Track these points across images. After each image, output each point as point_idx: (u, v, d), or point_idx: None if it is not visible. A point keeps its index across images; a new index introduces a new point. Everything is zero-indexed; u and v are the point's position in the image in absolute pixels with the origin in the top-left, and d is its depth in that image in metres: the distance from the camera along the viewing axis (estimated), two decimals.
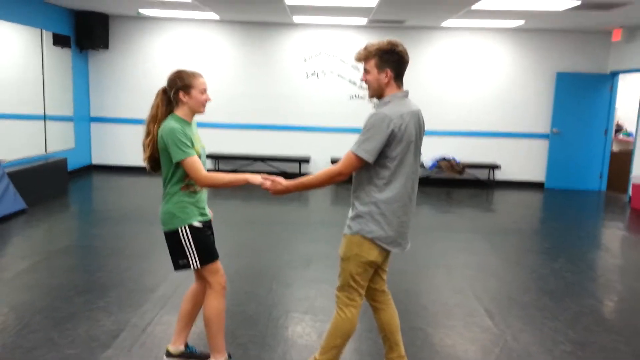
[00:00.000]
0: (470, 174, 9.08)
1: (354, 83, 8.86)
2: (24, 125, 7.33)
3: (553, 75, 8.81)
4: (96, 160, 9.18)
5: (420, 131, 2.52)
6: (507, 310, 3.80)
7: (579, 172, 9.01)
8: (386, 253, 2.54)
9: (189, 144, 2.50)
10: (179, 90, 2.56)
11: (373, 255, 2.46)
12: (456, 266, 4.75)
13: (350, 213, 2.51)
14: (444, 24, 8.19)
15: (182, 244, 2.58)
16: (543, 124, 8.98)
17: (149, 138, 2.59)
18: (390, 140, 2.35)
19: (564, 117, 8.85)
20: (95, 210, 6.89)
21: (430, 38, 8.83)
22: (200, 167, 2.50)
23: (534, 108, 8.95)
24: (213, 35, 8.86)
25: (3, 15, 6.65)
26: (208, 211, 2.76)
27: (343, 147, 8.50)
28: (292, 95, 8.89)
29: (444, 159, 8.79)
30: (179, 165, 2.51)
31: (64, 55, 8.12)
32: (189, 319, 2.86)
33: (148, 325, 3.37)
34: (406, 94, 2.50)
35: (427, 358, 3.09)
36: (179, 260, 2.61)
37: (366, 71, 2.46)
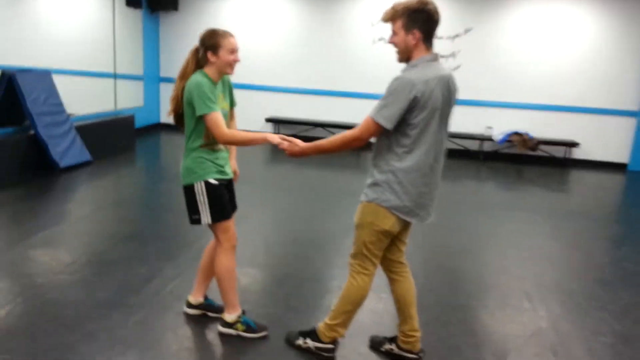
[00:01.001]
0: (544, 150, 8.46)
1: None
2: (95, 82, 7.70)
3: None
4: (165, 118, 9.53)
5: (449, 98, 2.31)
6: (551, 295, 3.49)
7: None
8: (403, 223, 2.38)
9: (213, 99, 2.45)
10: (207, 49, 2.51)
11: (388, 224, 2.32)
12: (508, 246, 4.45)
13: (368, 180, 2.38)
14: None
15: (196, 199, 2.57)
16: (630, 100, 8.12)
17: (175, 93, 2.58)
18: (412, 107, 2.17)
19: None
20: (156, 167, 7.17)
21: (510, 2, 8.19)
22: (221, 123, 2.45)
23: (620, 82, 8.10)
24: None
25: None
26: (229, 170, 2.72)
27: None
28: (357, 61, 8.63)
29: (516, 133, 8.23)
30: (200, 120, 2.48)
31: (136, 16, 8.39)
32: (208, 272, 2.88)
33: (178, 275, 3.44)
34: (435, 57, 2.28)
35: (450, 335, 2.91)
36: (192, 214, 2.61)
37: (393, 33, 2.27)
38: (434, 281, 3.63)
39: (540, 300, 3.42)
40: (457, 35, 8.34)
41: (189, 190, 2.59)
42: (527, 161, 8.45)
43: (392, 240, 2.48)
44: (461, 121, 8.57)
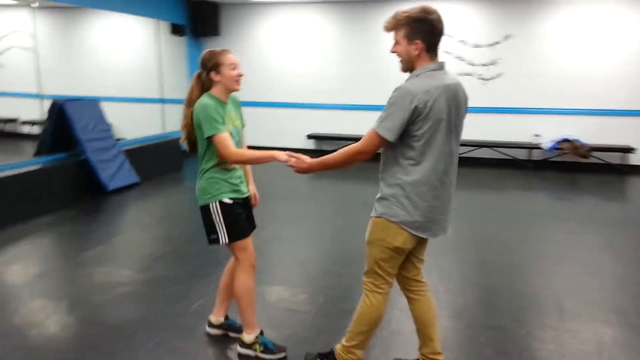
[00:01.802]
0: (598, 157, 8.01)
1: (462, 59, 8.28)
2: (144, 107, 8.07)
3: None
4: None
5: (457, 108, 2.22)
6: (598, 314, 3.27)
7: None
8: (417, 239, 2.30)
9: (219, 120, 2.49)
10: (210, 70, 2.54)
11: (399, 240, 2.25)
12: (555, 260, 4.22)
13: (378, 194, 2.32)
14: None
15: (212, 219, 2.61)
16: None
17: (185, 121, 2.63)
18: (415, 118, 2.11)
19: None
20: None
21: (549, 6, 7.89)
22: (229, 143, 2.48)
23: None
24: (317, 17, 8.85)
25: (125, 8, 7.33)
26: (245, 188, 2.75)
27: None
28: (394, 75, 8.54)
29: (566, 140, 7.86)
30: (210, 141, 2.52)
31: (180, 43, 8.75)
32: (228, 292, 2.90)
33: (206, 294, 3.49)
34: (440, 66, 2.22)
35: (481, 357, 2.78)
36: (210, 235, 2.64)
37: (396, 42, 2.22)
38: (470, 300, 3.49)
39: (585, 320, 3.20)
40: (496, 43, 8.11)
41: (205, 211, 2.63)
42: (580, 169, 8.03)
43: (407, 257, 2.41)
44: (507, 130, 8.30)
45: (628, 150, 7.75)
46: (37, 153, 6.27)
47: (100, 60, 7.90)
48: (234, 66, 2.56)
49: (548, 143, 7.94)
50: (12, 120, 7.71)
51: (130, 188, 6.59)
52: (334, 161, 2.31)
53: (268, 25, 9.12)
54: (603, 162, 8.04)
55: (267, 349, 2.72)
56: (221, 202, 2.59)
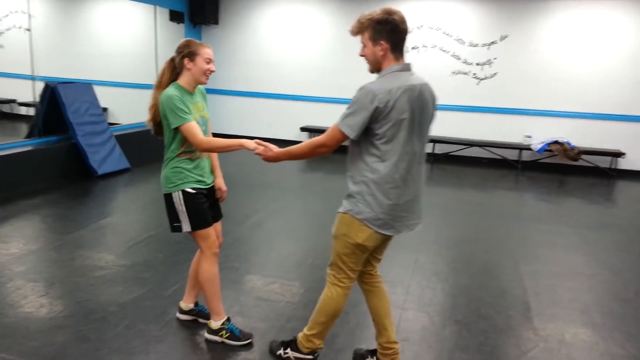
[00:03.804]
0: (588, 161, 8.05)
1: (458, 57, 8.30)
2: (139, 93, 8.08)
3: None
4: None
5: (422, 108, 2.27)
6: (561, 312, 3.35)
7: None
8: (381, 237, 2.35)
9: (186, 110, 2.53)
10: (184, 56, 2.59)
11: (361, 237, 2.30)
12: (525, 259, 4.28)
13: (347, 191, 2.36)
14: None
15: (175, 208, 2.66)
16: None
17: (152, 102, 2.68)
18: (376, 117, 2.17)
19: None
20: None
21: (547, 8, 7.89)
22: (197, 131, 2.53)
23: None
24: (315, 10, 8.85)
25: None
26: (210, 179, 2.78)
27: (444, 126, 8.10)
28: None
29: (557, 142, 7.89)
30: (177, 131, 2.57)
31: (178, 30, 8.76)
32: (197, 278, 2.96)
33: (181, 280, 3.56)
34: (405, 67, 2.27)
35: (443, 350, 2.85)
36: (173, 222, 2.70)
37: (363, 45, 2.29)
38: (440, 294, 3.56)
39: (549, 318, 3.27)
40: (492, 43, 8.13)
41: (168, 199, 2.68)
42: (569, 172, 8.08)
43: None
44: (498, 130, 8.34)
45: (618, 154, 7.79)
46: (29, 135, 6.34)
47: (97, 44, 7.94)
48: (209, 60, 2.61)
49: (538, 144, 7.98)
50: (11, 101, 7.78)
51: (120, 173, 6.65)
52: (300, 152, 2.39)
53: (267, 16, 9.13)
54: (592, 165, 8.08)
55: (233, 335, 2.80)
56: (184, 192, 2.64)
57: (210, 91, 9.53)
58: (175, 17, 8.66)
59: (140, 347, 2.77)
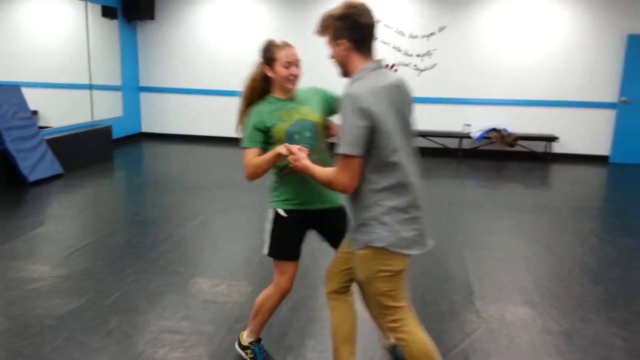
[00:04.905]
0: (524, 146, 8.40)
1: (399, 49, 8.43)
2: (71, 94, 7.73)
3: (623, 37, 7.84)
4: (146, 128, 9.55)
5: (402, 106, 2.00)
6: (500, 293, 3.47)
7: None
8: (409, 257, 2.05)
9: (250, 135, 2.30)
10: (265, 63, 2.31)
11: (396, 264, 2.00)
12: (467, 244, 4.42)
13: (353, 223, 2.06)
14: None
15: (265, 225, 2.44)
16: (609, 93, 8.06)
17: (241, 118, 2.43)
18: (369, 124, 1.87)
19: (636, 85, 7.89)
20: (133, 177, 7.18)
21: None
22: (247, 160, 2.29)
23: (599, 75, 8.04)
24: (255, 4, 8.75)
25: None
26: (319, 201, 2.39)
27: None
28: (328, 66, 8.60)
29: (494, 129, 8.20)
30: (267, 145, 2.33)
31: (112, 27, 8.42)
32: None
33: (122, 288, 3.43)
34: (379, 65, 1.99)
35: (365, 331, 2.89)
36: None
37: (329, 47, 2.03)
38: None
39: (491, 300, 3.38)
40: (431, 34, 8.31)
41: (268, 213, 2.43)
42: (507, 157, 8.40)
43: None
44: (439, 119, 8.55)
45: (551, 139, 8.17)
46: None
47: (24, 43, 7.49)
48: (288, 64, 2.28)
49: (477, 132, 8.25)
50: None
51: (54, 179, 6.33)
52: (318, 177, 2.06)
53: (205, 10, 8.92)
54: (528, 150, 8.44)
55: (256, 358, 2.65)
56: (276, 212, 2.39)
57: (148, 89, 9.27)
58: (108, 12, 8.31)
59: (80, 359, 2.65)
